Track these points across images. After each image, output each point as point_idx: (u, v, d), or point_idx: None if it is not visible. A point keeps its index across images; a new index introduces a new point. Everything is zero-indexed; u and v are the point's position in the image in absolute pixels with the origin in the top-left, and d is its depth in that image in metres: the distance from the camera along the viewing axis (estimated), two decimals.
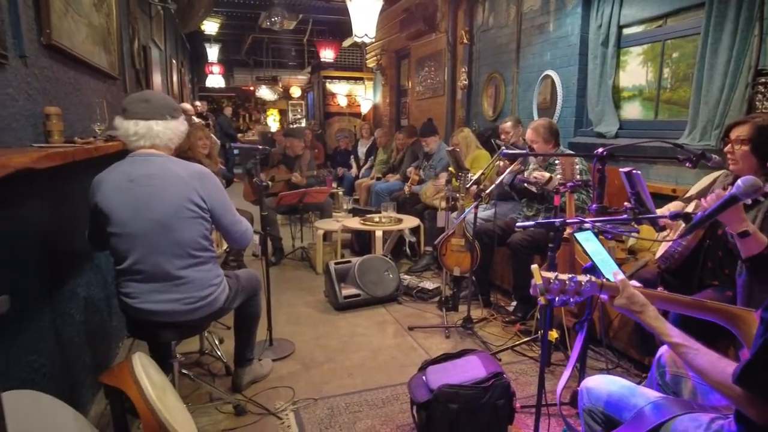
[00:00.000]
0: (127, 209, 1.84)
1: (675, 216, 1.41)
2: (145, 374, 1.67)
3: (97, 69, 2.83)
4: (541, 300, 1.24)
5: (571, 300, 1.25)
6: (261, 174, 4.99)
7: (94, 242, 2.04)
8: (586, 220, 1.70)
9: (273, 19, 6.60)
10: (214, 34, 7.81)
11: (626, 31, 3.82)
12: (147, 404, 1.60)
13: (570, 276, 1.26)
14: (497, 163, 3.67)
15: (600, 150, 2.14)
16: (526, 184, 3.38)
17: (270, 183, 4.68)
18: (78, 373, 2.20)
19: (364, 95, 10.18)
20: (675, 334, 1.15)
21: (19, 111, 1.77)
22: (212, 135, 4.38)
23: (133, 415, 1.70)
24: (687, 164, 2.23)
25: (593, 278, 1.28)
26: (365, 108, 10.05)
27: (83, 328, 2.31)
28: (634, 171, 2.04)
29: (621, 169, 2.08)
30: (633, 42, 3.79)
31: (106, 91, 3.10)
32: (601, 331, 2.70)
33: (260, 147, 3.00)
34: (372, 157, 7.77)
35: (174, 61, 7.47)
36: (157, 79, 5.45)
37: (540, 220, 1.95)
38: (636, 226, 2.14)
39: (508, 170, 3.21)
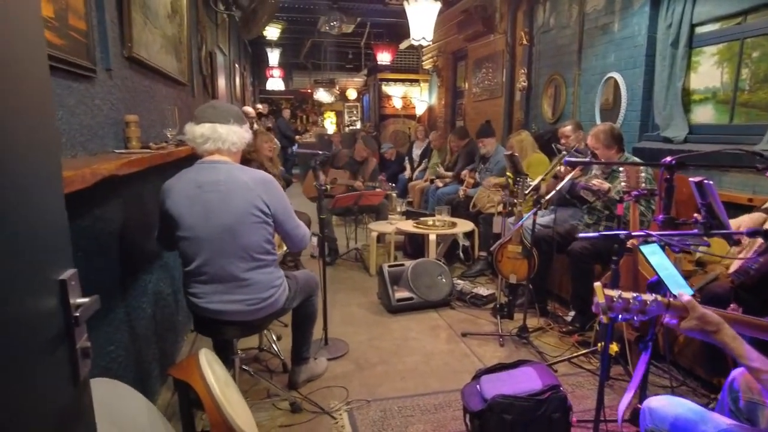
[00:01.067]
0: (195, 215, 1.94)
1: (753, 233, 1.33)
2: (211, 370, 1.76)
3: (169, 77, 3.01)
4: (604, 319, 1.21)
5: (635, 318, 1.21)
6: (322, 174, 5.16)
7: (163, 242, 2.18)
8: (653, 233, 1.63)
9: (332, 24, 6.73)
10: (275, 39, 8.06)
11: (699, 29, 3.62)
12: (212, 398, 1.68)
13: (634, 295, 1.22)
14: (557, 168, 3.58)
15: (668, 159, 2.04)
16: (583, 192, 3.28)
17: (329, 186, 4.78)
18: (148, 364, 2.34)
19: (419, 97, 10.18)
20: (755, 357, 1.08)
21: (104, 120, 1.92)
22: (274, 138, 4.53)
23: (197, 407, 1.80)
24: (766, 173, 2.09)
25: (659, 297, 1.23)
26: (420, 110, 10.05)
27: (153, 322, 2.47)
28: (705, 181, 1.93)
29: (691, 179, 1.98)
30: (707, 41, 3.58)
31: (177, 96, 3.29)
32: (665, 347, 2.58)
33: (320, 152, 3.08)
34: (426, 159, 7.76)
35: (237, 65, 7.79)
36: (221, 82, 5.71)
37: (603, 232, 1.88)
38: (707, 240, 2.04)
39: (568, 177, 3.12)
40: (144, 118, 2.47)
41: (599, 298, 1.24)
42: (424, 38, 5.33)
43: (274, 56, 9.15)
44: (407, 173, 8.28)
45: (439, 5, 5.32)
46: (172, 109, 2.65)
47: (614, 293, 1.23)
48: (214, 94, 4.87)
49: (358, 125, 14.72)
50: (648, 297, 1.23)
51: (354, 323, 3.46)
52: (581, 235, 1.76)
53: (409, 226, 4.51)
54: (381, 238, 4.84)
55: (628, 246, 2.55)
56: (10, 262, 0.77)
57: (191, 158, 2.15)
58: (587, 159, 3.26)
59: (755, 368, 1.06)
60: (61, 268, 0.97)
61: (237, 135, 2.06)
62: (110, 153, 1.94)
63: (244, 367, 2.37)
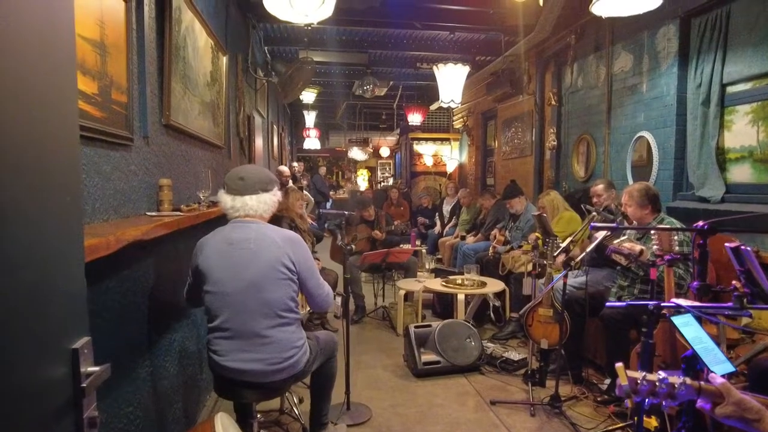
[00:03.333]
0: (224, 269, 2.01)
1: None
2: None
3: (205, 140, 3.17)
4: (628, 403, 1.14)
5: (665, 403, 1.13)
6: (340, 234, 5.22)
7: (191, 299, 2.22)
8: (684, 303, 1.55)
9: (365, 88, 7.01)
10: (311, 102, 8.45)
11: (730, 89, 3.58)
12: None
13: (662, 377, 1.14)
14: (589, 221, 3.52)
15: (701, 223, 1.97)
16: (614, 255, 3.17)
17: (353, 245, 4.82)
18: (168, 425, 2.33)
19: (449, 155, 10.32)
20: None
21: (138, 184, 2.03)
22: (307, 193, 4.65)
23: None
24: None
25: (688, 380, 1.15)
26: (451, 167, 10.16)
27: (176, 381, 2.47)
28: (743, 247, 1.85)
29: (727, 244, 1.90)
30: (739, 100, 3.53)
31: (212, 159, 3.44)
32: (710, 425, 2.38)
33: (345, 213, 3.12)
34: (456, 216, 7.75)
35: (275, 127, 8.15)
36: (258, 143, 5.96)
37: (633, 301, 1.80)
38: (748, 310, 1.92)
39: (597, 238, 3.04)
40: (179, 180, 2.59)
41: (622, 380, 1.17)
42: (452, 101, 5.47)
43: (310, 118, 9.57)
44: (437, 229, 8.28)
45: (467, 69, 5.49)
46: (206, 172, 2.78)
47: (638, 375, 1.16)
48: (250, 155, 5.08)
49: (390, 181, 14.97)
50: (676, 380, 1.15)
51: (378, 387, 3.37)
52: (608, 303, 1.68)
53: (437, 284, 4.45)
54: (409, 296, 4.78)
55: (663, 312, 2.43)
56: (24, 329, 0.79)
57: (223, 218, 2.23)
58: (619, 222, 3.19)
59: None
60: (76, 337, 1.00)
61: (266, 203, 2.16)
62: (142, 216, 2.03)
63: (264, 431, 2.31)
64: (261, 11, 4.82)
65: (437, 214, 8.50)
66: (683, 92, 3.87)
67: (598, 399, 3.10)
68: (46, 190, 0.87)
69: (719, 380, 1.16)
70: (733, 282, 1.87)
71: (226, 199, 2.12)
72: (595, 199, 4.01)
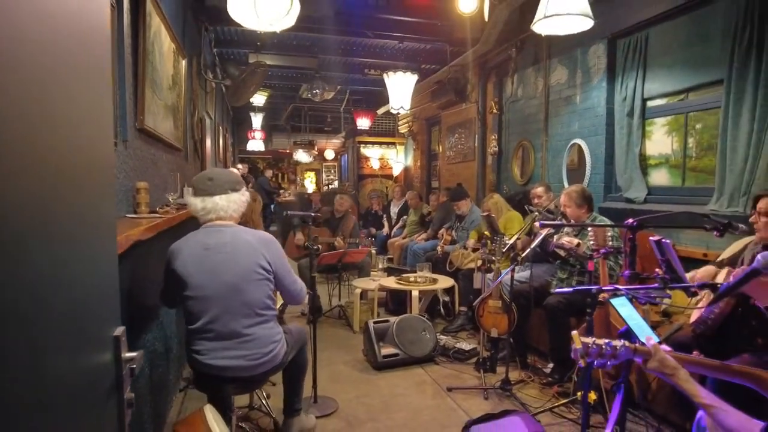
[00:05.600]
0: (203, 274, 2.08)
1: (702, 286, 1.55)
2: (217, 425, 1.84)
3: (169, 143, 3.20)
4: (581, 362, 1.39)
5: (608, 363, 1.39)
6: (300, 232, 5.31)
7: (167, 301, 2.29)
8: (621, 287, 1.85)
9: (314, 91, 7.12)
10: (261, 105, 8.44)
11: (650, 103, 4.05)
12: None
13: (606, 341, 1.40)
14: (534, 224, 3.86)
15: (631, 221, 2.30)
16: (556, 249, 3.52)
17: (319, 247, 4.92)
18: (142, 424, 2.37)
19: (396, 158, 10.62)
20: (704, 395, 1.27)
21: (119, 187, 2.08)
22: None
23: None
24: (715, 233, 2.36)
25: (627, 343, 1.42)
26: (397, 170, 10.45)
27: (148, 381, 2.51)
28: (663, 240, 2.19)
29: (651, 238, 2.23)
30: (657, 114, 4.01)
31: (174, 161, 3.46)
32: (639, 395, 2.74)
33: (312, 213, 3.25)
34: (404, 217, 8.03)
35: (221, 128, 8.06)
36: (208, 145, 5.92)
37: (577, 287, 2.08)
38: (668, 292, 2.26)
39: (541, 235, 3.37)
40: (149, 183, 2.63)
41: (576, 344, 1.42)
42: (402, 108, 5.72)
43: (257, 120, 9.51)
44: (385, 230, 8.51)
45: (415, 77, 5.76)
46: (174, 175, 2.83)
47: (589, 340, 1.42)
48: (203, 157, 5.06)
49: (336, 184, 15.08)
50: (618, 343, 1.42)
51: (341, 381, 3.52)
52: (556, 290, 1.96)
53: (392, 282, 4.66)
54: (364, 294, 4.96)
55: (599, 299, 2.77)
56: (69, 320, 0.84)
57: (191, 220, 2.29)
58: (559, 221, 3.55)
59: (707, 404, 1.25)
60: (114, 325, 1.11)
61: (236, 203, 2.23)
62: (122, 218, 2.08)
63: (240, 424, 2.41)
64: (214, 15, 4.85)
65: (385, 216, 8.74)
66: (611, 104, 4.33)
67: (543, 381, 3.43)
68: (85, 194, 0.93)
69: (651, 341, 1.44)
70: (656, 270, 2.21)
71: (195, 201, 2.17)
72: (535, 201, 4.38)
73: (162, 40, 2.96)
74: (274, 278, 2.22)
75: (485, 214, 3.73)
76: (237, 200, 2.23)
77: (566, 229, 3.67)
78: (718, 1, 3.42)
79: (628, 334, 1.91)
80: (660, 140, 4.02)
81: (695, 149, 3.74)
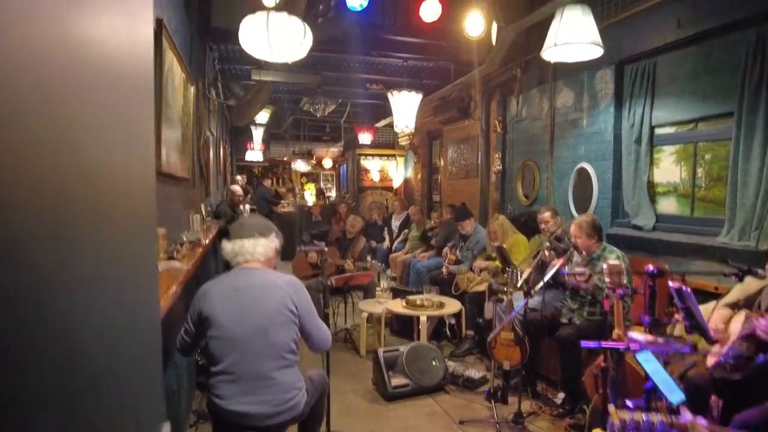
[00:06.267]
0: (231, 315, 2.11)
1: (737, 358, 1.55)
2: None
3: (180, 178, 3.16)
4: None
5: None
6: (312, 252, 5.27)
7: (185, 346, 2.27)
8: (645, 342, 1.84)
9: (316, 106, 7.10)
10: (264, 123, 8.42)
11: (658, 131, 4.06)
12: None
13: (645, 417, 1.39)
14: (543, 252, 3.87)
15: (651, 268, 2.30)
16: (567, 280, 3.52)
17: (331, 281, 4.85)
18: None
19: (396, 170, 10.61)
20: None
21: None
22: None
23: None
24: (734, 278, 2.37)
25: (664, 418, 1.41)
26: (397, 182, 10.44)
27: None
28: (684, 289, 2.19)
29: (671, 285, 2.24)
30: (665, 142, 4.02)
31: (183, 193, 3.43)
32: None
33: (325, 249, 3.22)
34: (406, 230, 8.01)
35: (221, 142, 8.02)
36: (211, 162, 5.88)
37: (603, 343, 2.07)
38: (690, 339, 2.27)
39: (555, 267, 3.36)
40: (162, 222, 2.60)
41: (614, 420, 1.41)
42: (407, 126, 5.71)
43: (258, 133, 9.48)
44: (386, 244, 8.50)
45: (420, 96, 5.76)
46: (187, 213, 2.79)
47: (627, 415, 1.41)
48: (207, 178, 5.03)
49: (333, 192, 15.05)
50: (656, 418, 1.41)
51: (352, 413, 3.49)
52: (583, 344, 1.94)
53: (399, 306, 4.64)
54: (370, 316, 4.94)
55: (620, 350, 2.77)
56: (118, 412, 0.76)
57: (203, 264, 2.29)
58: (570, 250, 3.54)
59: None
60: (159, 422, 1.08)
61: (263, 246, 2.27)
62: None
63: None
64: (219, 35, 4.82)
65: (386, 229, 8.72)
66: (619, 130, 4.34)
67: (554, 413, 3.42)
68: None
69: (688, 417, 1.43)
70: (675, 315, 2.22)
71: (226, 246, 2.26)
72: (542, 226, 4.37)
73: (174, 73, 2.93)
74: (299, 321, 2.22)
75: (496, 245, 3.73)
76: (264, 244, 2.29)
77: (576, 258, 3.68)
78: (727, 34, 3.44)
79: (655, 391, 1.90)
80: (668, 168, 4.03)
81: (704, 179, 3.76)
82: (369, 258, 6.48)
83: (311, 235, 5.47)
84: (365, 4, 3.98)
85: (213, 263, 5.01)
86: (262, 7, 3.54)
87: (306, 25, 3.03)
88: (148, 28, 1.12)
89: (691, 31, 3.62)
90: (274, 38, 2.94)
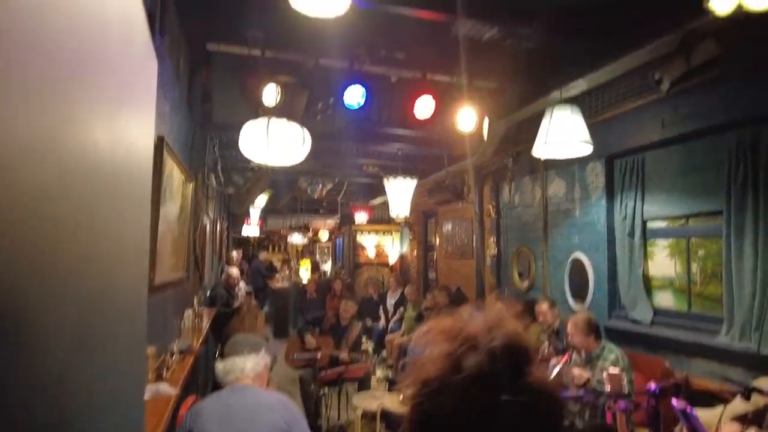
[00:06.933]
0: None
1: None
2: None
3: (174, 282, 3.14)
4: None
5: None
6: (309, 336, 5.12)
7: None
8: None
9: (314, 187, 7.22)
10: (262, 206, 8.54)
11: (650, 224, 4.11)
12: None
13: None
14: (542, 348, 3.79)
15: (653, 387, 2.24)
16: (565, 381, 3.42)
17: (324, 392, 4.70)
18: None
19: (392, 246, 10.63)
20: None
21: None
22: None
23: None
24: (739, 397, 2.31)
25: None
26: (393, 258, 10.43)
27: None
28: (689, 411, 2.12)
29: (675, 405, 2.17)
30: (658, 236, 4.06)
31: (176, 294, 3.38)
32: None
33: (318, 355, 3.15)
34: (401, 309, 7.88)
35: (218, 222, 8.07)
36: (207, 248, 5.87)
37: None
38: None
39: (555, 368, 3.28)
40: (152, 335, 2.54)
41: None
42: (401, 212, 5.78)
43: (255, 212, 9.60)
44: (382, 323, 8.33)
45: (415, 182, 5.88)
46: (178, 323, 2.75)
47: None
48: (202, 268, 5.00)
49: (329, 264, 14.97)
50: None
51: None
52: None
53: (395, 402, 4.45)
54: (364, 413, 4.73)
55: None
56: None
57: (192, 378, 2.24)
58: (568, 348, 3.47)
59: None
60: None
61: (252, 362, 2.28)
62: None
63: None
64: (221, 128, 4.97)
65: (381, 307, 8.58)
66: (612, 222, 4.39)
67: None
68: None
69: None
70: None
71: (218, 365, 2.26)
72: (540, 318, 4.32)
73: (173, 178, 2.99)
74: None
75: None
76: (255, 361, 2.29)
77: (574, 357, 3.60)
78: (708, 136, 3.57)
79: None
80: (663, 262, 4.04)
81: (699, 275, 3.76)
82: (365, 339, 6.34)
83: (306, 321, 5.36)
84: (362, 102, 4.13)
85: (206, 350, 4.86)
86: (262, 106, 3.70)
87: (305, 130, 3.13)
88: (149, 150, 1.14)
89: (674, 132, 3.77)
90: (274, 144, 3.03)
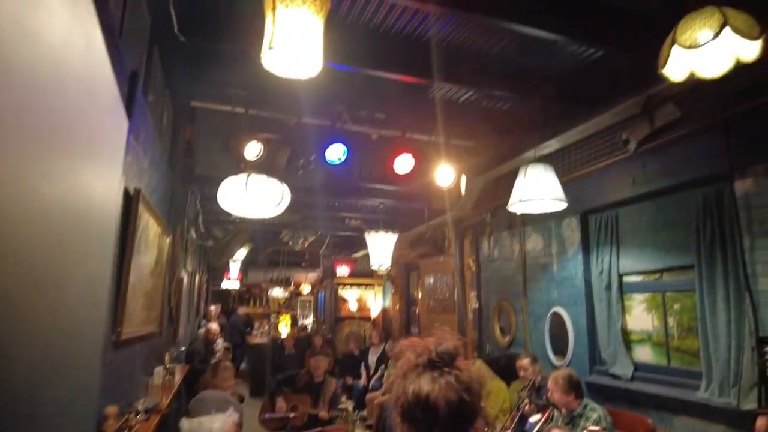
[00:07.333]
0: None
1: None
2: None
3: (145, 336, 3.05)
4: None
5: None
6: (281, 399, 4.92)
7: None
8: None
9: (295, 240, 7.21)
10: (242, 259, 8.48)
11: (626, 279, 4.16)
12: None
13: None
14: (523, 405, 3.71)
15: None
16: None
17: (291, 415, 4.52)
18: None
19: (374, 300, 10.52)
20: None
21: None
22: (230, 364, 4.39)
23: None
24: None
25: None
26: (375, 312, 10.29)
27: None
28: None
29: None
30: (634, 290, 4.11)
31: (147, 348, 3.28)
32: None
33: (291, 415, 3.04)
34: (383, 366, 7.68)
35: (197, 275, 7.94)
36: (183, 303, 5.74)
37: None
38: None
39: (536, 426, 3.20)
40: (117, 393, 2.44)
41: None
42: (382, 265, 5.78)
43: (235, 266, 9.50)
44: (363, 381, 8.09)
45: (396, 236, 5.92)
46: (145, 381, 2.65)
47: None
48: (177, 321, 4.87)
49: (310, 319, 14.66)
50: None
51: None
52: None
53: None
54: None
55: None
56: None
57: None
58: (549, 405, 3.41)
59: None
60: None
61: (220, 422, 2.21)
62: None
63: None
64: (202, 181, 5.01)
65: (362, 363, 8.36)
66: (589, 276, 4.43)
67: None
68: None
69: None
70: None
71: (184, 424, 2.19)
72: (521, 373, 4.25)
73: (149, 231, 2.97)
74: None
75: None
76: (222, 420, 2.22)
77: (556, 414, 3.52)
78: (677, 193, 3.70)
79: None
80: (640, 316, 4.06)
81: (676, 329, 3.78)
82: (344, 399, 6.12)
83: (278, 381, 5.17)
84: (343, 158, 4.22)
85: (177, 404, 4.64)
86: (244, 160, 3.75)
87: (285, 185, 3.17)
88: (114, 204, 1.13)
89: (645, 189, 3.90)
90: (252, 199, 3.05)
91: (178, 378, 3.95)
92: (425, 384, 1.06)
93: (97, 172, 0.87)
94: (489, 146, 4.84)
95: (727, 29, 1.88)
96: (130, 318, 2.54)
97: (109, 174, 0.97)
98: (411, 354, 1.13)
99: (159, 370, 3.39)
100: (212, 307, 9.48)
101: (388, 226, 6.05)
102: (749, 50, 2.02)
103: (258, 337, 10.86)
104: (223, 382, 3.93)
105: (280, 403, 4.99)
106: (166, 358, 3.97)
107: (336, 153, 4.26)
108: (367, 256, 9.48)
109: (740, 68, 2.19)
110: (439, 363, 1.09)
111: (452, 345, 1.13)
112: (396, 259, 9.01)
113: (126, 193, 2.30)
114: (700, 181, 3.48)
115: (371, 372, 8.04)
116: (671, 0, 2.87)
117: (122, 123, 1.06)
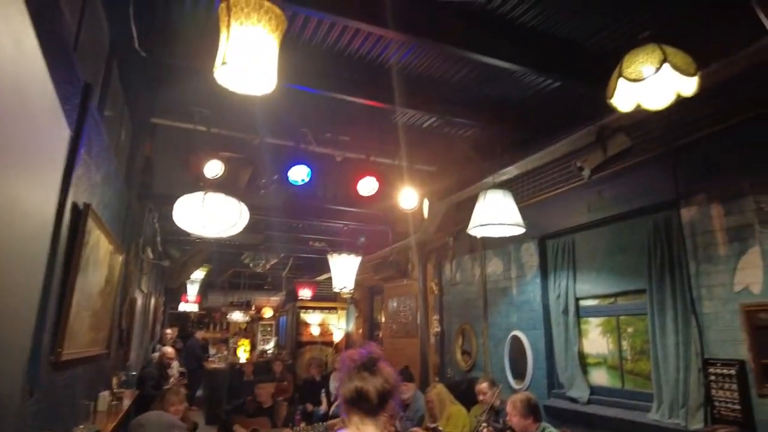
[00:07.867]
0: None
1: None
2: None
3: (91, 357, 2.91)
4: None
5: None
6: (238, 425, 4.75)
7: None
8: None
9: (258, 262, 7.08)
10: (199, 279, 8.24)
11: (583, 302, 4.26)
12: None
13: None
14: (481, 429, 3.70)
15: None
16: None
17: None
18: None
19: (337, 324, 10.38)
20: None
21: None
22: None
23: None
24: None
25: None
26: (338, 337, 10.14)
27: None
28: None
29: None
30: (590, 314, 4.20)
31: (94, 370, 3.12)
32: None
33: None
34: None
35: (153, 296, 7.66)
36: (137, 325, 5.52)
37: None
38: None
39: None
40: (53, 416, 2.31)
41: None
42: (345, 287, 5.73)
43: (193, 288, 9.22)
44: (323, 407, 7.90)
45: (359, 259, 5.90)
46: (87, 405, 2.51)
47: None
48: (128, 344, 4.67)
49: (271, 343, 14.29)
50: None
51: None
52: None
53: None
54: None
55: None
56: None
57: None
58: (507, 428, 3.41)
59: None
60: None
61: None
62: None
63: None
64: (160, 200, 4.88)
65: (323, 390, 8.17)
66: (547, 300, 4.51)
67: None
68: None
69: None
70: None
71: None
72: (480, 397, 4.25)
73: (99, 248, 2.86)
74: None
75: (432, 426, 3.54)
76: None
77: None
78: (630, 219, 3.84)
79: None
80: (596, 340, 4.15)
81: (630, 352, 3.87)
82: (303, 425, 5.95)
83: (227, 411, 5.00)
84: (307, 179, 4.21)
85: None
86: (204, 179, 3.69)
87: (243, 204, 3.13)
88: (48, 218, 1.06)
89: (600, 215, 4.03)
90: (209, 218, 3.00)
91: (126, 403, 3.76)
92: (359, 381, 1.54)
93: (27, 185, 0.83)
94: (451, 171, 4.93)
95: (667, 65, 1.99)
96: (73, 338, 2.42)
97: (42, 185, 0.93)
98: (349, 361, 1.60)
99: (105, 395, 3.22)
100: (169, 330, 9.14)
101: (351, 249, 6.02)
102: (688, 86, 2.14)
103: (216, 362, 10.51)
104: (170, 406, 3.76)
105: (239, 430, 4.81)
106: (114, 381, 3.79)
107: (299, 174, 4.24)
108: (330, 279, 9.41)
109: (683, 102, 2.33)
110: (368, 365, 1.56)
111: (375, 353, 1.61)
112: (360, 282, 8.97)
113: (74, 207, 2.22)
114: (650, 208, 3.63)
115: (332, 399, 7.87)
116: (624, 36, 3.05)
117: (62, 133, 1.03)
